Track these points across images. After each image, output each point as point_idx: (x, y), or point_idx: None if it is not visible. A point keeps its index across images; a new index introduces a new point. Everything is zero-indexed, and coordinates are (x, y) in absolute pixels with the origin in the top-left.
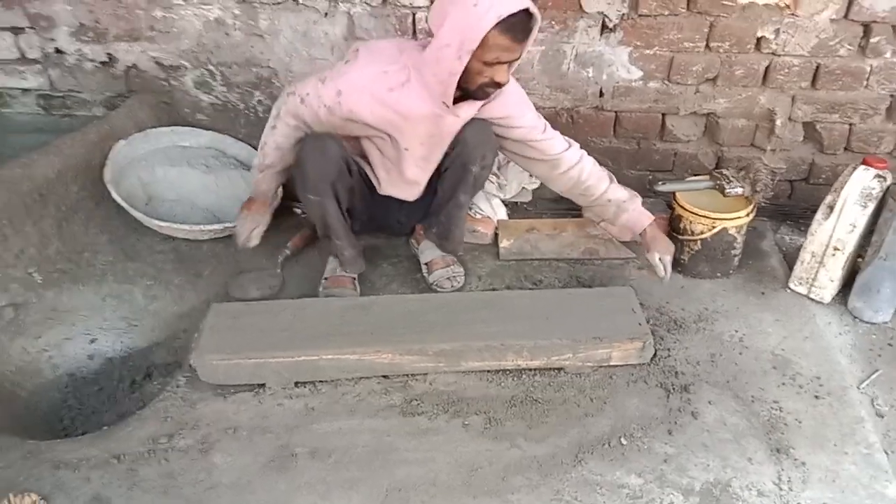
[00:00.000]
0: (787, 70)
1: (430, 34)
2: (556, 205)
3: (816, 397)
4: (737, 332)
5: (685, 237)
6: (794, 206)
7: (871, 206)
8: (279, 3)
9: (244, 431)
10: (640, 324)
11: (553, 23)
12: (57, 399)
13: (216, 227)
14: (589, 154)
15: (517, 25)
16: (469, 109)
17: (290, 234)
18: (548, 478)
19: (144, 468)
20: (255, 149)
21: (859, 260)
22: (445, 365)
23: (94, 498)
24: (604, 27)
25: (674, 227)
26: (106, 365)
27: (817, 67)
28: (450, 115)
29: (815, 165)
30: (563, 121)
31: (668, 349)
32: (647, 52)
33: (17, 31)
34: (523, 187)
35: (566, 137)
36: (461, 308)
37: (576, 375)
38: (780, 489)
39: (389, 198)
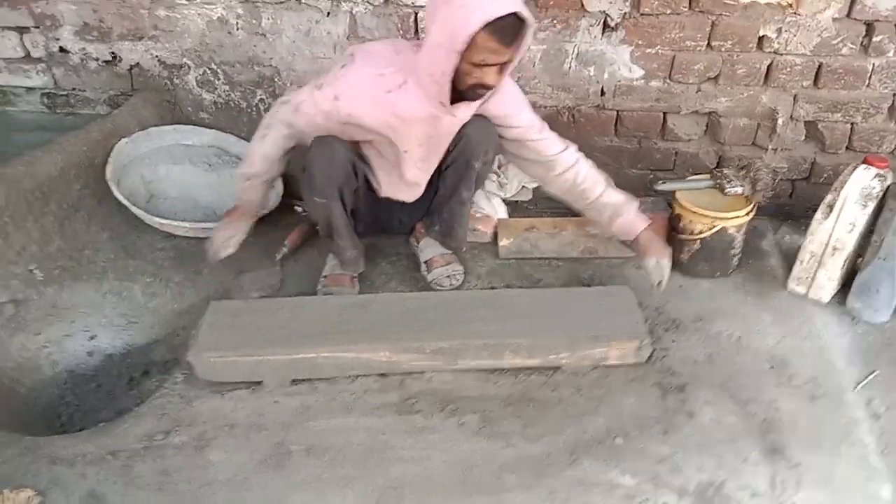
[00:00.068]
0: (789, 69)
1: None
2: (556, 204)
3: (813, 398)
4: (734, 332)
5: (685, 236)
6: (796, 205)
7: (871, 206)
8: (281, 3)
9: (241, 428)
10: (637, 323)
11: (555, 21)
12: (56, 395)
13: (217, 225)
14: (590, 153)
15: (506, 29)
16: (466, 110)
17: (288, 231)
18: (543, 477)
19: (140, 465)
20: None
21: (859, 260)
22: (443, 363)
23: (89, 494)
24: (605, 26)
25: (674, 226)
26: (105, 362)
27: (819, 66)
28: (447, 116)
29: (817, 165)
30: (565, 120)
31: (666, 349)
32: (649, 50)
33: (22, 30)
34: (523, 186)
35: (563, 139)
36: (460, 306)
37: (572, 374)
38: (775, 490)
39: (390, 199)
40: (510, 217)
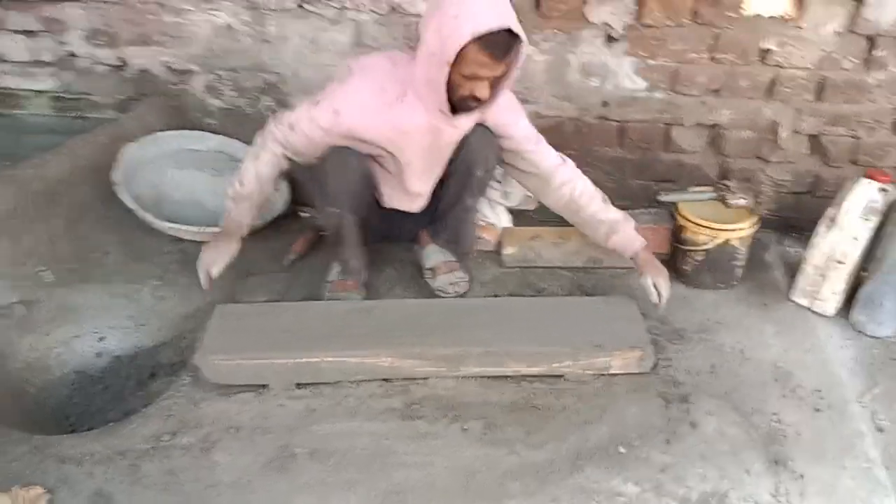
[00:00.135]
0: (791, 82)
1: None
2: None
3: (816, 410)
4: (738, 343)
5: (688, 248)
6: (799, 218)
7: (875, 219)
8: (287, 11)
9: (245, 431)
10: (640, 333)
11: (558, 32)
12: (65, 396)
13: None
14: (594, 164)
15: (497, 43)
16: (466, 120)
17: (295, 237)
18: (545, 484)
19: (147, 465)
20: None
21: (863, 273)
22: (446, 369)
23: (96, 493)
24: (609, 37)
25: (676, 238)
26: (113, 363)
27: (822, 80)
28: (448, 127)
29: (820, 178)
30: (568, 130)
31: (669, 359)
32: (652, 62)
33: (31, 34)
34: (528, 195)
35: (561, 154)
36: (463, 313)
37: (576, 383)
38: (778, 501)
39: (395, 209)
40: (514, 226)
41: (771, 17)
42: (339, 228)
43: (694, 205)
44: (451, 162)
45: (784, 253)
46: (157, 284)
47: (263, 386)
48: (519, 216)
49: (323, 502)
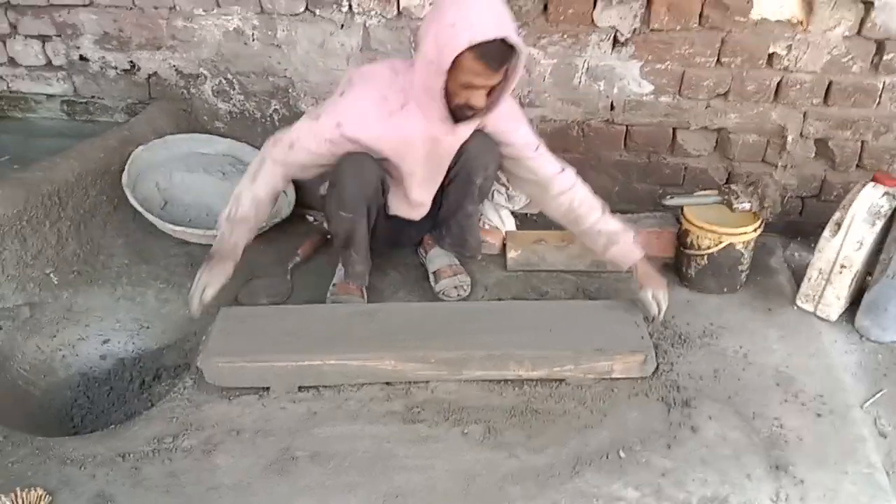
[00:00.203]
0: (798, 86)
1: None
2: None
3: (819, 415)
4: (741, 347)
5: (692, 252)
6: (806, 222)
7: (880, 224)
8: (296, 15)
9: (247, 434)
10: (642, 337)
11: (565, 36)
12: (69, 398)
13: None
14: (599, 167)
15: (493, 53)
16: (466, 129)
17: (299, 240)
18: (545, 488)
19: (148, 467)
20: None
21: (867, 278)
22: (448, 373)
23: (98, 495)
24: (615, 41)
25: (681, 242)
26: (117, 365)
27: (829, 84)
28: (448, 135)
29: (827, 182)
30: (574, 134)
31: (671, 363)
32: (659, 66)
33: (44, 38)
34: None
35: (562, 162)
36: (466, 317)
37: (577, 387)
38: None
39: (399, 216)
40: (518, 229)
41: (778, 21)
42: (350, 233)
43: (699, 208)
44: (451, 169)
45: (789, 257)
46: (163, 287)
47: (265, 389)
48: (523, 220)
49: None
